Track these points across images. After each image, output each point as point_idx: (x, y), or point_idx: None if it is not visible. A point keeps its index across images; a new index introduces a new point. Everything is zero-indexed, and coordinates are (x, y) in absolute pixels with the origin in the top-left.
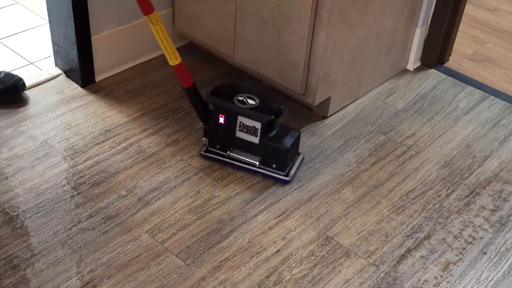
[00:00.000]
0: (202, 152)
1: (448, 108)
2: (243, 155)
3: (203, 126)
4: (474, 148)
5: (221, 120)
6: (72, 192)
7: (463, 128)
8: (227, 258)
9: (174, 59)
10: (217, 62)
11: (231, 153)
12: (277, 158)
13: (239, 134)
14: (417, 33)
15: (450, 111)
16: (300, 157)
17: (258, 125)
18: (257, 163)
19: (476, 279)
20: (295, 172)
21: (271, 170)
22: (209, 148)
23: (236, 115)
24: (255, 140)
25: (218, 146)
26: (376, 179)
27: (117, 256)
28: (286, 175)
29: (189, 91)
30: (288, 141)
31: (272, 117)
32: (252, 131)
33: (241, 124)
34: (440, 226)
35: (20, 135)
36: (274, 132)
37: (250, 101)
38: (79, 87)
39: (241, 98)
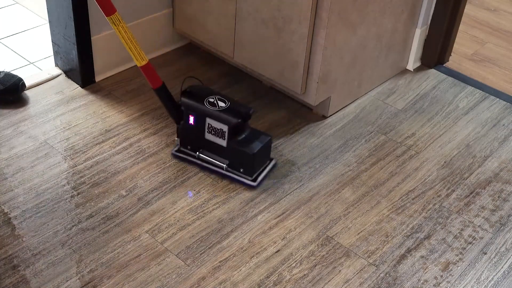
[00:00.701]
0: (174, 152)
1: (448, 108)
2: (212, 157)
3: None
4: (474, 148)
5: (191, 120)
6: (72, 192)
7: (463, 128)
8: (227, 258)
9: (140, 60)
10: (217, 62)
11: (200, 155)
12: (245, 163)
13: (208, 136)
14: (417, 33)
15: (450, 111)
16: (272, 163)
17: (225, 128)
18: (225, 166)
19: (476, 279)
20: (264, 178)
21: (238, 174)
22: (181, 148)
23: (204, 117)
24: (223, 143)
25: (189, 147)
26: (376, 179)
27: (117, 256)
28: (253, 180)
29: (159, 91)
30: (256, 146)
31: (239, 120)
32: (220, 133)
33: (209, 126)
34: (440, 226)
35: (20, 135)
36: (243, 136)
37: (221, 104)
38: (79, 87)
39: (212, 100)
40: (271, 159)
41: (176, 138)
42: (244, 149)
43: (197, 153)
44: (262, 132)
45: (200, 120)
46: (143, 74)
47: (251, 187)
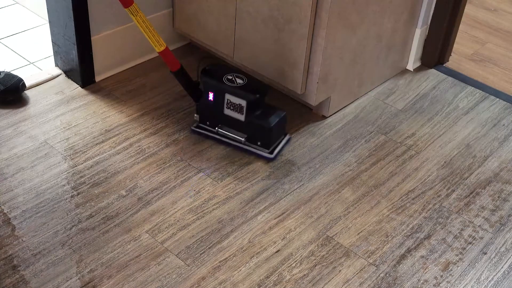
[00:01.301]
0: (193, 128)
1: (448, 108)
2: (230, 132)
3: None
4: (474, 148)
5: (211, 97)
6: (72, 192)
7: (463, 128)
8: (227, 258)
9: (159, 46)
10: (217, 62)
11: (219, 130)
12: (262, 136)
13: (227, 112)
14: (417, 33)
15: (450, 111)
16: (286, 138)
17: (243, 103)
18: (243, 140)
19: (476, 279)
20: (280, 151)
21: (256, 147)
22: (200, 124)
23: (224, 93)
24: (241, 117)
25: (208, 123)
26: (376, 179)
27: (117, 256)
28: (270, 153)
29: (177, 74)
30: (273, 120)
31: (257, 96)
32: (238, 108)
33: (228, 101)
34: (440, 226)
35: (20, 135)
36: (260, 111)
37: (239, 80)
38: (79, 87)
39: (230, 77)
40: (285, 134)
41: (195, 115)
42: (262, 123)
43: (216, 128)
44: (277, 108)
45: (219, 96)
46: (162, 58)
47: (268, 159)
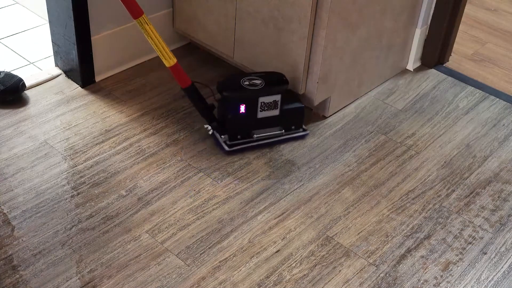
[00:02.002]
0: (228, 149)
1: (448, 108)
2: (267, 132)
3: (210, 126)
4: (474, 148)
5: (242, 109)
6: (72, 192)
7: (463, 128)
8: (227, 258)
9: (169, 60)
10: (217, 62)
11: (256, 135)
12: (295, 118)
13: (261, 114)
14: (417, 33)
15: (450, 111)
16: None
17: (278, 97)
18: (283, 131)
19: (476, 279)
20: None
21: (291, 132)
22: (232, 142)
23: (256, 98)
24: (276, 112)
25: (239, 137)
26: (376, 179)
27: (117, 256)
28: (304, 130)
29: (188, 90)
30: (297, 100)
31: (286, 85)
32: (273, 105)
33: (262, 104)
34: (440, 226)
35: (20, 135)
36: (285, 98)
37: (257, 81)
38: (79, 87)
39: (247, 83)
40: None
41: (221, 136)
42: (295, 107)
43: (254, 135)
44: (288, 91)
45: (251, 104)
46: (172, 73)
47: (305, 136)
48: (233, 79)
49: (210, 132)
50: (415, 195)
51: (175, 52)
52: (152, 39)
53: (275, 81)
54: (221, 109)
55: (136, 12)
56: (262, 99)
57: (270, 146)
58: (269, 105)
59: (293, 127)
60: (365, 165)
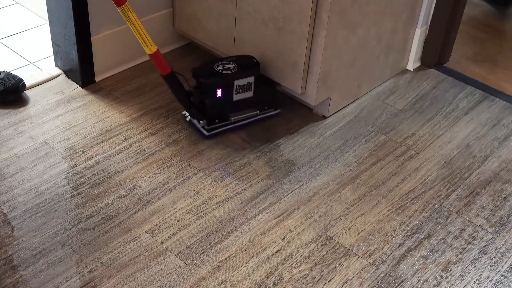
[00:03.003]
0: (207, 134)
1: (448, 108)
2: (243, 114)
3: (188, 112)
4: (474, 148)
5: (219, 93)
6: (72, 192)
7: (463, 128)
8: (227, 258)
9: (151, 47)
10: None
11: (233, 118)
12: (268, 97)
13: (236, 97)
14: (417, 33)
15: (450, 111)
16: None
17: (251, 79)
18: (258, 111)
19: (476, 279)
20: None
21: (265, 112)
22: (211, 127)
23: (232, 81)
24: (250, 94)
25: (217, 120)
26: (376, 179)
27: (117, 256)
28: (276, 109)
29: (168, 78)
30: (269, 82)
31: (258, 67)
32: (247, 87)
33: (237, 86)
34: (440, 226)
35: (20, 135)
36: (258, 80)
37: (230, 66)
38: (79, 87)
39: (221, 68)
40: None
41: (200, 122)
42: (267, 87)
43: (231, 118)
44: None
45: (227, 87)
46: (153, 61)
47: (278, 115)
48: (207, 66)
49: (188, 119)
50: (415, 195)
51: (175, 52)
52: (134, 26)
53: (247, 64)
54: (198, 95)
55: (120, 0)
56: (237, 82)
57: (247, 126)
58: (244, 87)
59: (266, 107)
60: (365, 165)
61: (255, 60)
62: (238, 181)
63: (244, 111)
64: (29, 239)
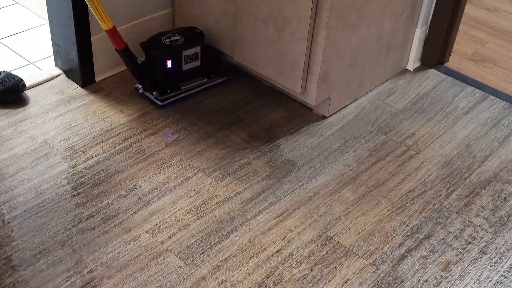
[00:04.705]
0: (161, 104)
1: (448, 108)
2: (192, 82)
3: (141, 85)
4: (474, 148)
5: (169, 64)
6: (72, 192)
7: (463, 128)
8: (227, 258)
9: (108, 23)
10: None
11: (183, 87)
12: (214, 64)
13: (185, 67)
14: (417, 33)
15: (450, 111)
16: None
17: (198, 49)
18: (206, 79)
19: (476, 279)
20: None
21: (212, 80)
22: (164, 97)
23: (180, 52)
24: (198, 63)
25: (169, 91)
26: (376, 179)
27: (117, 256)
28: (222, 76)
29: (123, 52)
30: (214, 50)
31: (203, 37)
32: (194, 57)
33: (186, 57)
34: (440, 226)
35: (20, 135)
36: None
37: (176, 37)
38: (79, 87)
39: (168, 40)
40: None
41: (153, 93)
42: (212, 54)
43: (182, 87)
44: (205, 43)
45: (176, 58)
46: (109, 36)
47: (224, 83)
48: (155, 39)
49: (141, 91)
50: (415, 195)
51: None
52: (92, 2)
53: (192, 34)
54: (149, 67)
55: None
56: (185, 52)
57: (198, 94)
58: (192, 57)
59: (213, 75)
60: (365, 165)
61: (199, 31)
62: (238, 181)
63: (193, 79)
64: (29, 239)
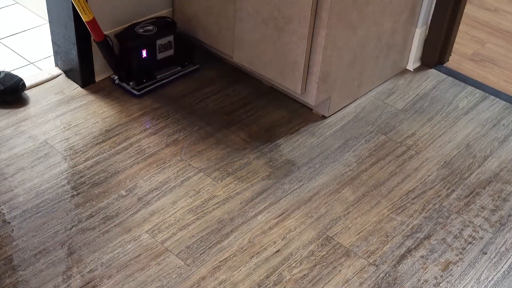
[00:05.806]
0: (137, 93)
1: (448, 108)
2: (167, 71)
3: (117, 76)
4: (474, 148)
5: (144, 54)
6: (72, 192)
7: (463, 128)
8: (227, 258)
9: (88, 14)
10: (217, 62)
11: (158, 76)
12: (187, 54)
13: (160, 56)
14: (417, 33)
15: (450, 111)
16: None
17: (171, 38)
18: (179, 68)
19: (476, 279)
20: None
21: (186, 68)
22: (140, 87)
23: (154, 42)
24: (171, 52)
25: (144, 80)
26: (376, 179)
27: (117, 256)
28: (195, 64)
29: (101, 44)
30: (187, 40)
31: (175, 25)
32: (168, 46)
33: (160, 46)
34: (440, 226)
35: (20, 135)
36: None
37: (149, 27)
38: (79, 87)
39: (142, 30)
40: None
41: (130, 83)
42: (185, 44)
43: (157, 76)
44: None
45: (150, 48)
46: (89, 28)
47: (197, 71)
48: (129, 30)
49: (117, 82)
50: (415, 195)
51: None
52: None
53: (164, 24)
54: (124, 58)
55: None
56: (159, 42)
57: (173, 82)
58: (165, 46)
59: (186, 64)
60: (365, 165)
61: (171, 20)
62: (238, 181)
63: (168, 68)
64: (29, 239)
